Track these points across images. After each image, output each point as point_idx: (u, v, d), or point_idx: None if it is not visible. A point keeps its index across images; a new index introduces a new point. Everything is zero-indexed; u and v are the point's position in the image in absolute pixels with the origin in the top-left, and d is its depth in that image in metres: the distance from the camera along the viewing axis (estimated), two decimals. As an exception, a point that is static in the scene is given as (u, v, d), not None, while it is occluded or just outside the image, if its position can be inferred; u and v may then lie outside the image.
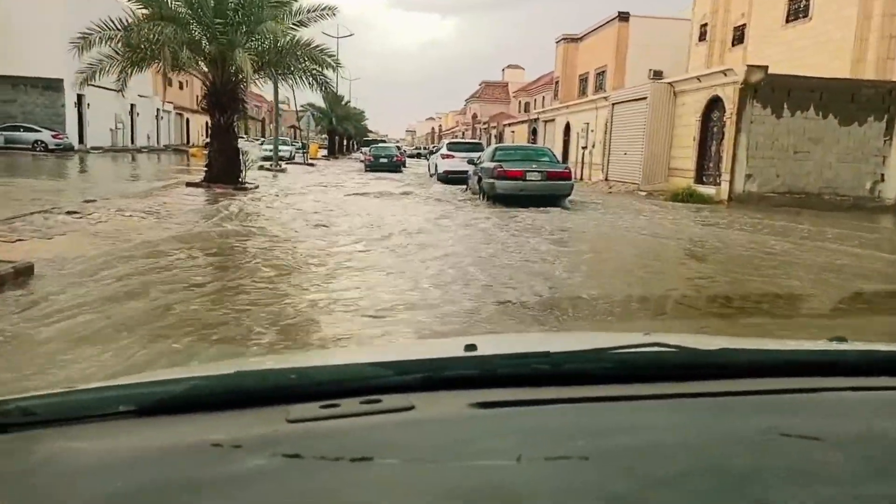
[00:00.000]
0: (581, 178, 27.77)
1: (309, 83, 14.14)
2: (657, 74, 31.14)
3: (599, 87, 37.52)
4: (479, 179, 14.42)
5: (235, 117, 13.78)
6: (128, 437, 0.70)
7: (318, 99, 52.80)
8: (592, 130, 27.16)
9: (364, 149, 37.24)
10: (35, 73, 33.36)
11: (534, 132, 37.94)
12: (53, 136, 32.26)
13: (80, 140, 37.42)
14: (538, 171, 13.30)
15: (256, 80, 14.17)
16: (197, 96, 68.89)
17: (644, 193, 19.35)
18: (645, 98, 20.00)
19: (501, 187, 13.04)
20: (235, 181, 13.80)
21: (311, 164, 28.58)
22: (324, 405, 0.74)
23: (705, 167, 18.23)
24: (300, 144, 34.96)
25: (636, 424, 0.73)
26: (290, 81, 14.08)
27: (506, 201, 12.88)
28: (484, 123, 57.65)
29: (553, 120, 33.45)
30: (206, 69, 13.34)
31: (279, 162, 22.26)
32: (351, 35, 52.52)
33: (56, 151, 30.43)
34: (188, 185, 13.49)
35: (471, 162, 16.81)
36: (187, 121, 57.85)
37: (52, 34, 28.02)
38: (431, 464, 0.62)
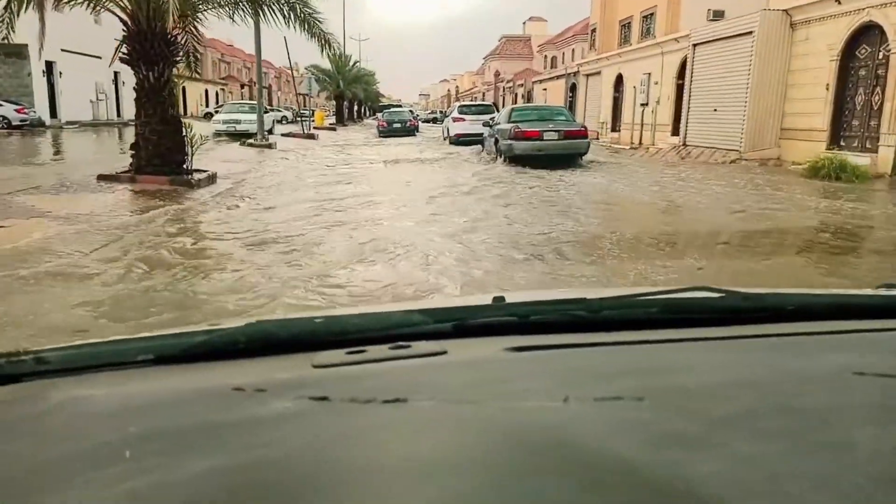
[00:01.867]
0: (640, 145, 22.67)
1: (285, 16, 9.35)
2: (718, 15, 25.74)
3: (647, 34, 31.76)
4: (497, 141, 14.17)
5: (170, 71, 9.00)
6: (144, 383, 0.67)
7: (323, 61, 47.75)
8: (656, 83, 21.91)
9: (378, 115, 35.56)
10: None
11: (572, 89, 32.55)
12: (17, 111, 27.66)
13: (53, 114, 33.71)
14: (555, 131, 13.28)
15: (206, 14, 9.30)
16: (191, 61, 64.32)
17: (754, 163, 14.34)
18: (749, 34, 14.81)
19: (519, 148, 13.02)
20: (177, 170, 9.13)
21: (312, 136, 23.70)
22: (350, 351, 0.71)
23: (845, 126, 13.15)
24: (299, 112, 29.90)
25: (692, 364, 0.69)
26: (255, 12, 9.16)
27: (523, 161, 12.86)
28: (508, 82, 52.02)
29: (598, 73, 28.11)
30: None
31: (266, 135, 17.43)
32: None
33: (23, 128, 25.97)
34: (101, 178, 8.84)
35: (485, 124, 16.64)
36: (183, 89, 52.95)
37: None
38: (470, 404, 0.58)
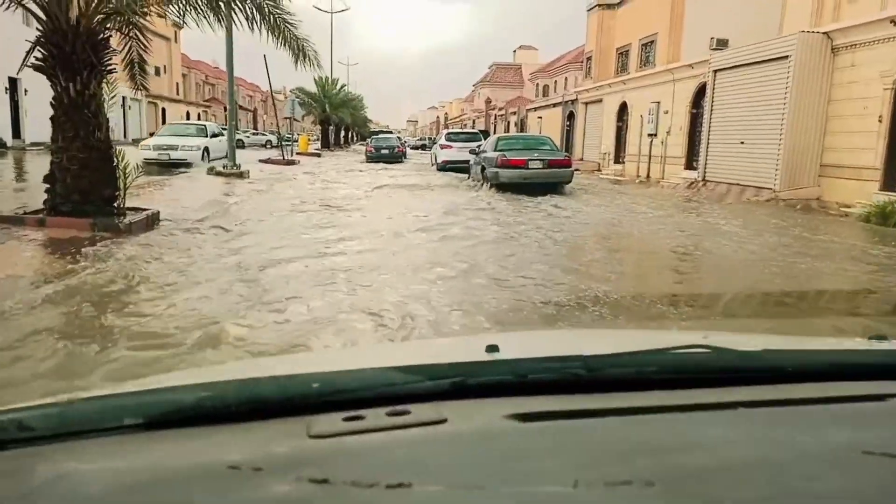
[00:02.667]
0: (648, 178, 20.97)
1: (248, 16, 7.43)
2: (721, 43, 24.44)
3: (646, 62, 30.46)
4: (483, 168, 14.59)
5: (98, 83, 7.00)
6: (137, 454, 0.64)
7: (309, 84, 45.96)
8: (666, 112, 20.31)
9: (367, 140, 35.74)
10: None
11: (570, 117, 31.03)
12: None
13: (16, 135, 31.78)
14: (540, 160, 13.59)
15: (152, 11, 7.35)
16: (177, 84, 62.28)
17: (792, 204, 12.58)
18: (784, 58, 13.18)
19: (505, 175, 13.38)
20: (104, 209, 7.08)
21: (293, 163, 21.70)
22: (347, 417, 0.68)
23: (903, 164, 11.46)
24: (279, 136, 27.84)
25: (699, 440, 0.67)
26: (212, 11, 7.17)
27: (509, 188, 13.25)
28: (500, 109, 50.65)
29: (599, 101, 26.58)
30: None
31: (235, 163, 15.33)
32: (346, 10, 45.73)
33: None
34: (3, 221, 6.74)
35: (471, 152, 16.98)
36: (163, 111, 51.33)
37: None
38: (478, 490, 0.56)
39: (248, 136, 48.63)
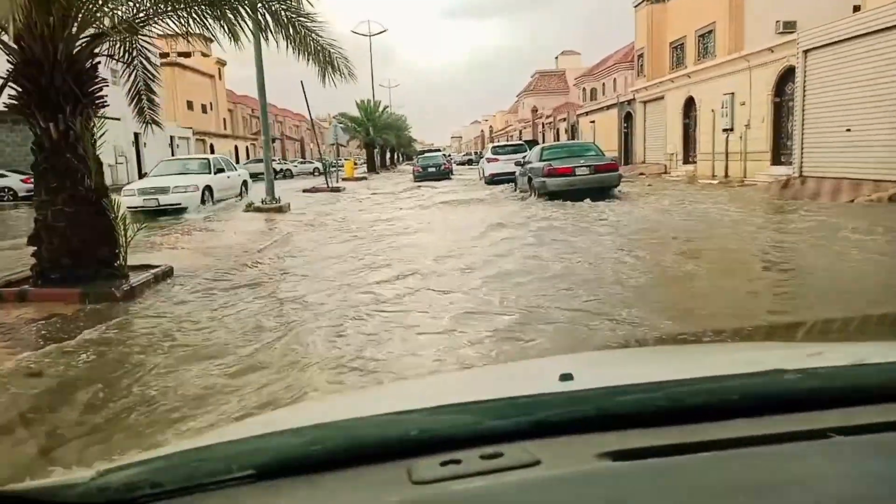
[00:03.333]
0: (726, 178, 18.78)
1: (260, 21, 6.04)
2: (789, 25, 22.04)
3: (705, 53, 28.10)
4: (530, 179, 14.79)
5: (82, 120, 5.72)
6: None
7: (352, 108, 45.36)
8: (743, 103, 18.15)
9: (413, 160, 36.19)
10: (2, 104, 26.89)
11: (627, 118, 28.97)
12: (24, 181, 25.58)
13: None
14: (586, 166, 13.76)
15: (154, 28, 6.07)
16: (224, 119, 63.16)
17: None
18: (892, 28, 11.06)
19: (553, 184, 13.53)
20: (101, 272, 5.77)
21: (338, 190, 20.52)
22: (444, 461, 0.70)
23: None
24: (323, 162, 26.85)
25: (798, 475, 0.65)
26: (225, 22, 5.79)
27: (557, 196, 13.23)
28: (548, 117, 48.80)
29: (660, 98, 24.49)
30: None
31: (273, 197, 14.08)
32: (384, 31, 45.00)
33: (30, 199, 23.68)
34: (-23, 296, 5.53)
35: (517, 163, 17.17)
36: (211, 147, 51.84)
37: None
38: None
39: (296, 166, 48.45)
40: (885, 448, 0.69)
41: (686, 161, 22.39)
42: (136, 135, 37.91)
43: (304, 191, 20.57)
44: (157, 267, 6.35)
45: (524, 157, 16.96)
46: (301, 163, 53.19)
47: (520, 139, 46.86)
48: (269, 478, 0.72)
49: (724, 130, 18.96)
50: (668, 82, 23.50)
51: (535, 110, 48.97)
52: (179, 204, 13.58)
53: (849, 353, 1.02)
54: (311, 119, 22.01)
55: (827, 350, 1.29)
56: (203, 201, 14.21)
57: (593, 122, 33.81)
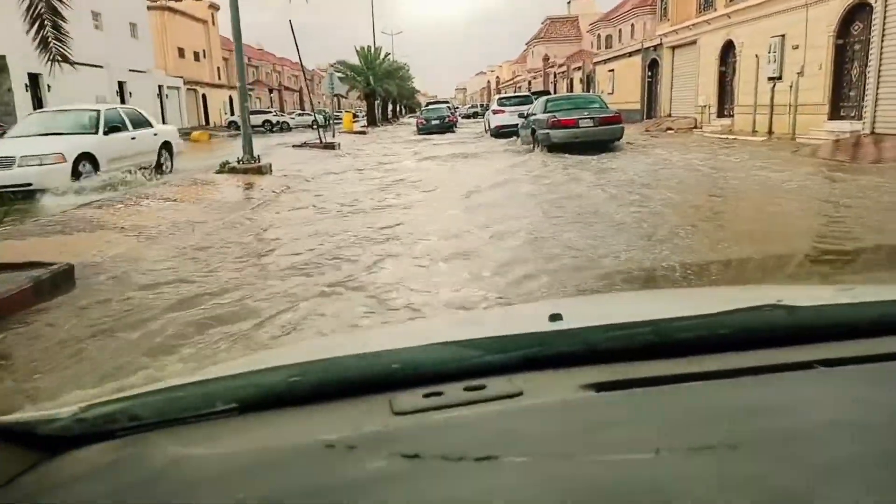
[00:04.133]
0: (770, 134, 16.57)
1: None
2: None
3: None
4: (533, 131, 14.80)
5: None
6: (238, 437, 0.68)
7: (352, 56, 42.42)
8: (796, 47, 15.78)
9: (417, 112, 35.76)
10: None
11: (651, 67, 26.42)
12: (-8, 132, 23.36)
13: None
14: (590, 118, 13.69)
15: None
16: (218, 68, 59.82)
17: None
18: None
19: (556, 136, 13.50)
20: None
21: (331, 146, 18.34)
22: (427, 393, 0.70)
23: None
24: (315, 113, 24.47)
25: (781, 402, 0.65)
26: None
27: (561, 149, 13.21)
28: (560, 66, 45.87)
29: (692, 43, 21.96)
30: None
31: (252, 155, 11.90)
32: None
33: None
34: None
35: (520, 115, 17.11)
36: (203, 97, 49.23)
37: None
38: (564, 460, 0.57)
39: (293, 118, 45.69)
40: (865, 378, 0.70)
41: (721, 114, 20.10)
42: (121, 84, 35.54)
43: (295, 146, 18.44)
44: (50, 266, 4.41)
45: (528, 110, 16.77)
46: (300, 114, 50.36)
47: (529, 90, 44.14)
48: (251, 411, 0.71)
49: (771, 79, 16.65)
50: (702, 24, 20.95)
51: (546, 59, 45.97)
52: (29, 184, 8.78)
53: (840, 292, 1.04)
54: (302, 64, 19.59)
55: (819, 290, 1.48)
56: (77, 175, 9.49)
57: (612, 70, 31.19)
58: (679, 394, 0.68)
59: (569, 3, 67.84)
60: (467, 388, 0.70)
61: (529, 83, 56.00)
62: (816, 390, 0.68)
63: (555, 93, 35.44)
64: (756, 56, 17.35)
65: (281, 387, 0.74)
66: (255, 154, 11.84)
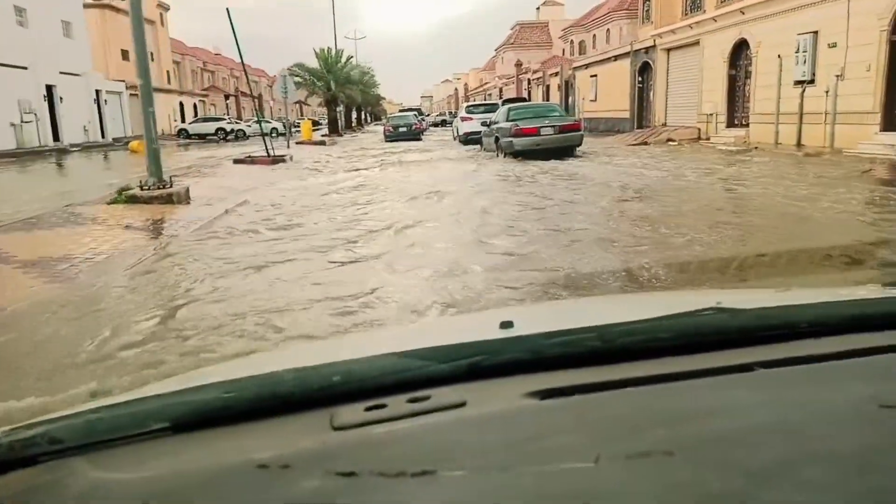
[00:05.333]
0: (799, 146, 14.14)
1: None
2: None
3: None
4: (497, 139, 15.34)
5: None
6: (166, 459, 0.65)
7: (310, 58, 39.13)
8: (832, 45, 13.39)
9: (384, 119, 33.91)
10: None
11: (642, 71, 24.01)
12: None
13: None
14: (551, 126, 14.22)
15: None
16: (167, 72, 55.71)
17: None
18: None
19: (519, 144, 14.05)
20: None
21: (279, 160, 15.19)
22: (369, 407, 0.69)
23: None
24: (259, 121, 21.22)
25: (718, 406, 0.66)
26: None
27: (523, 155, 13.84)
28: (535, 73, 43.47)
29: (694, 44, 19.56)
30: None
31: (161, 179, 8.66)
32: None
33: None
34: None
35: (483, 123, 17.97)
36: (150, 104, 45.18)
37: None
38: (501, 472, 0.57)
39: (249, 126, 41.98)
40: (803, 379, 0.71)
41: (731, 124, 17.69)
42: (50, 87, 31.64)
43: (235, 160, 15.26)
44: None
45: (490, 119, 17.22)
46: (257, 122, 46.58)
47: (500, 97, 41.65)
48: (183, 431, 0.68)
49: (798, 83, 14.25)
50: (707, 22, 18.53)
51: (519, 64, 43.49)
52: None
53: (778, 294, 1.06)
54: (242, 60, 16.36)
55: (758, 293, 1.52)
56: None
57: (594, 76, 28.78)
58: (620, 400, 0.68)
59: (538, 8, 66.01)
60: (411, 400, 0.68)
61: (501, 90, 53.60)
62: (754, 393, 0.68)
63: (530, 100, 33.03)
64: (779, 57, 14.95)
65: (215, 404, 0.71)
66: (166, 177, 8.71)
